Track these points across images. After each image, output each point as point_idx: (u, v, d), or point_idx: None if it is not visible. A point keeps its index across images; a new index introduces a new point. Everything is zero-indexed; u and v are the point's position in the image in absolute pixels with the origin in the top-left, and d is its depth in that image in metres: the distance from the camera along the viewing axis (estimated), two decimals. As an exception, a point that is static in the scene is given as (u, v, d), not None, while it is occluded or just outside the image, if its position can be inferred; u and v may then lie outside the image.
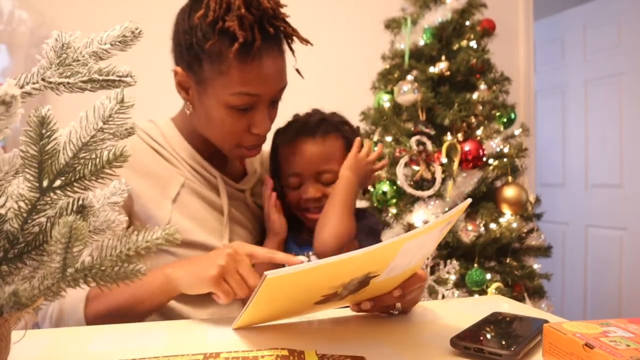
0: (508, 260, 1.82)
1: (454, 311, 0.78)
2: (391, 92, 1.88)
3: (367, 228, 0.98)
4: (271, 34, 0.85)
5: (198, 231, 0.89)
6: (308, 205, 0.98)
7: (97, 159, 0.42)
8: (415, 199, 1.77)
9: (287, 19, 0.90)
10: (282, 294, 0.62)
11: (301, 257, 0.76)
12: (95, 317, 0.79)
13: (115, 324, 0.73)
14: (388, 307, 0.72)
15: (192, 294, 0.77)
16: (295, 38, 0.91)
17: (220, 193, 0.96)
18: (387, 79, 1.95)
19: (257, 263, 0.77)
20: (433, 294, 1.68)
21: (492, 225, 1.76)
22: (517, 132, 1.94)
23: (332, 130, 0.99)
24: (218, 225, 0.93)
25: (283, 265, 0.71)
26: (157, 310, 0.83)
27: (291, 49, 0.93)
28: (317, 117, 1.01)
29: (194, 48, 0.85)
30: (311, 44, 0.94)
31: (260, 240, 1.01)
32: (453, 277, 1.70)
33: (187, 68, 0.89)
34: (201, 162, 0.95)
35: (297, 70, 0.95)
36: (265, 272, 0.54)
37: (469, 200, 0.67)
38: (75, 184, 0.42)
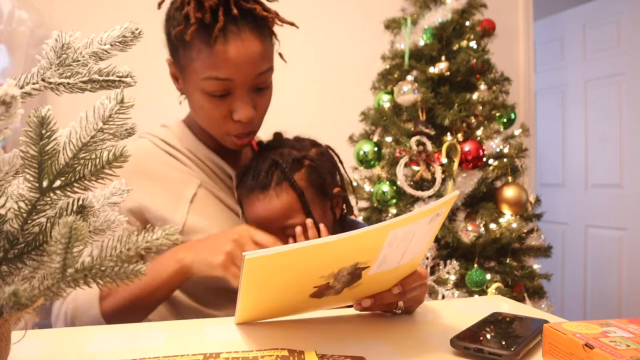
0: (508, 261, 1.82)
1: (454, 311, 0.78)
2: (391, 93, 1.88)
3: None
4: (235, 15, 0.82)
5: (215, 231, 0.88)
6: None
7: (97, 159, 0.42)
8: (415, 199, 1.77)
9: (265, 1, 0.88)
10: (269, 280, 0.61)
11: None
12: (112, 311, 0.80)
13: (128, 319, 0.75)
14: (390, 306, 0.71)
15: (209, 295, 0.81)
16: (277, 21, 0.88)
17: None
18: (387, 79, 1.95)
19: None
20: (433, 294, 1.68)
21: (492, 226, 1.76)
22: (517, 132, 1.94)
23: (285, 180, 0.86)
24: (235, 225, 0.92)
25: None
26: (169, 296, 0.83)
27: (272, 32, 0.90)
28: (267, 163, 0.87)
29: (171, 37, 0.87)
30: (296, 26, 0.91)
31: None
32: (453, 277, 1.71)
33: (172, 57, 0.90)
34: (217, 162, 0.95)
35: (280, 55, 0.93)
36: (244, 253, 0.54)
37: (457, 192, 0.66)
38: (75, 184, 0.42)
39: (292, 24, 0.91)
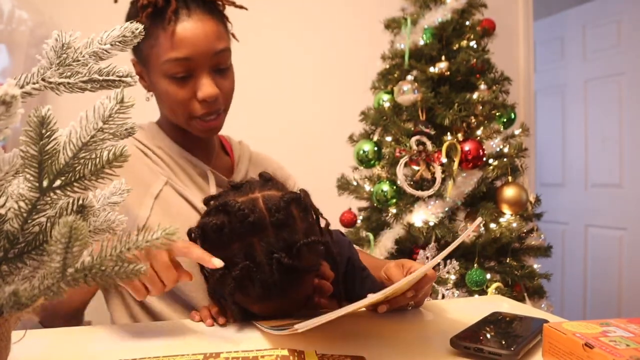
0: (508, 260, 1.82)
1: (454, 311, 0.78)
2: (391, 92, 1.88)
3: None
4: None
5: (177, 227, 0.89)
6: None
7: (97, 159, 0.42)
8: (415, 199, 1.77)
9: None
10: None
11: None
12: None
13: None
14: (402, 305, 0.77)
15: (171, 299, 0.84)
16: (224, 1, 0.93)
17: (210, 185, 0.96)
18: (387, 79, 1.95)
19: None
20: (433, 293, 1.67)
21: (492, 225, 1.76)
22: (517, 132, 1.93)
23: None
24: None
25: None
26: (81, 307, 0.91)
27: (224, 14, 0.94)
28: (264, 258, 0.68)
29: None
30: (245, 9, 0.95)
31: None
32: (453, 277, 1.70)
33: (134, 54, 0.94)
34: (188, 158, 0.97)
35: (233, 35, 0.97)
36: (296, 325, 0.54)
37: (478, 221, 0.70)
38: (75, 184, 0.42)
39: (241, 7, 0.96)
